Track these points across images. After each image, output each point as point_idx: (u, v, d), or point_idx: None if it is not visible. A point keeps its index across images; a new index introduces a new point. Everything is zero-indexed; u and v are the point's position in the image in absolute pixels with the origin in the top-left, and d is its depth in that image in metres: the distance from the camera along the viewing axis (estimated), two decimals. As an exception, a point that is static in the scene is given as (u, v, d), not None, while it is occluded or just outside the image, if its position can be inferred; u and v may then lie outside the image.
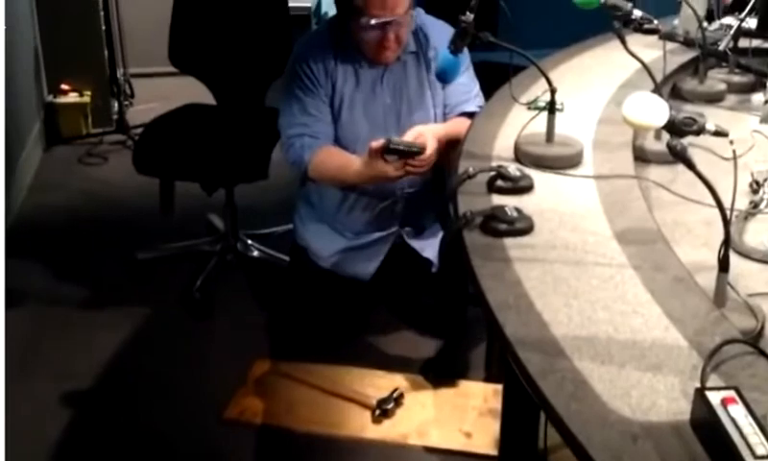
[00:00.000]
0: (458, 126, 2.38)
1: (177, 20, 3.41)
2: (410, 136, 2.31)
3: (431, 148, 2.26)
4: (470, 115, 2.41)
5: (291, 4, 3.52)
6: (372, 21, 2.33)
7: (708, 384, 1.09)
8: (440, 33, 2.44)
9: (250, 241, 3.39)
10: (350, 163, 2.38)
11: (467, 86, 2.53)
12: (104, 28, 4.61)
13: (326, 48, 2.47)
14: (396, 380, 2.57)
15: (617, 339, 1.22)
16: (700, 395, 1.03)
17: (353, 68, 2.47)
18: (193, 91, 3.59)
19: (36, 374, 2.71)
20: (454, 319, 2.80)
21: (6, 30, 3.71)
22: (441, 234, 2.62)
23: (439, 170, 2.50)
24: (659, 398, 1.09)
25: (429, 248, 2.66)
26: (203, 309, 3.06)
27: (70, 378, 2.68)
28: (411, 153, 2.24)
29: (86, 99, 4.67)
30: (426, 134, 2.30)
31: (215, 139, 3.20)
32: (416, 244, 2.66)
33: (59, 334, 2.93)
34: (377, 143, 2.22)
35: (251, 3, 3.40)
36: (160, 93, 4.72)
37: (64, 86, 4.66)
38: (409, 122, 2.46)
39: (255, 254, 3.36)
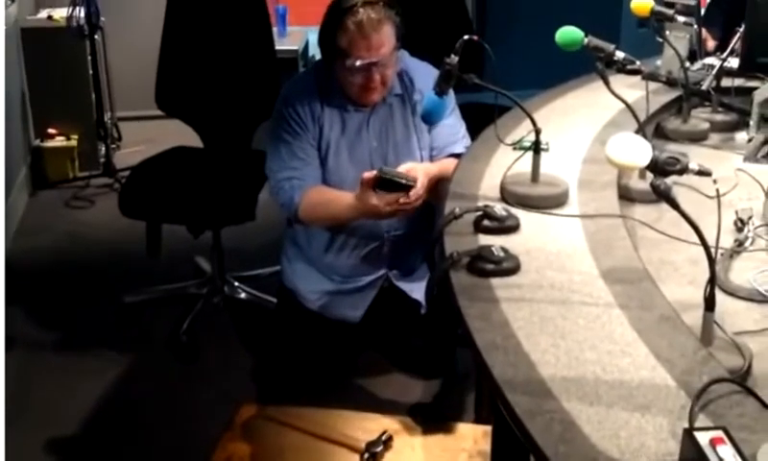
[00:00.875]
0: (448, 166, 2.38)
1: (163, 64, 3.43)
2: (402, 170, 2.31)
3: (421, 183, 2.26)
4: (459, 156, 2.41)
5: (278, 47, 3.54)
6: (357, 63, 2.33)
7: (697, 424, 1.09)
8: (424, 76, 2.45)
9: (237, 283, 3.37)
10: (341, 199, 2.37)
11: (453, 128, 2.54)
12: (91, 72, 4.63)
13: (313, 92, 2.47)
14: (385, 423, 2.54)
15: (605, 379, 1.21)
16: (688, 435, 1.03)
17: (339, 113, 2.47)
18: (180, 134, 3.60)
19: (22, 418, 2.67)
20: (443, 360, 2.78)
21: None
22: (428, 276, 2.61)
23: (425, 212, 2.50)
24: (647, 438, 1.08)
25: (417, 289, 2.65)
26: (189, 352, 3.04)
27: (56, 423, 2.65)
28: (402, 185, 2.23)
29: (73, 143, 4.68)
30: (417, 169, 2.30)
31: (202, 182, 3.20)
32: (404, 286, 2.65)
33: (45, 378, 2.90)
34: (369, 174, 2.21)
35: (237, 46, 3.41)
36: (147, 136, 4.73)
37: (51, 130, 4.67)
38: (396, 166, 2.45)
39: (243, 296, 3.35)
